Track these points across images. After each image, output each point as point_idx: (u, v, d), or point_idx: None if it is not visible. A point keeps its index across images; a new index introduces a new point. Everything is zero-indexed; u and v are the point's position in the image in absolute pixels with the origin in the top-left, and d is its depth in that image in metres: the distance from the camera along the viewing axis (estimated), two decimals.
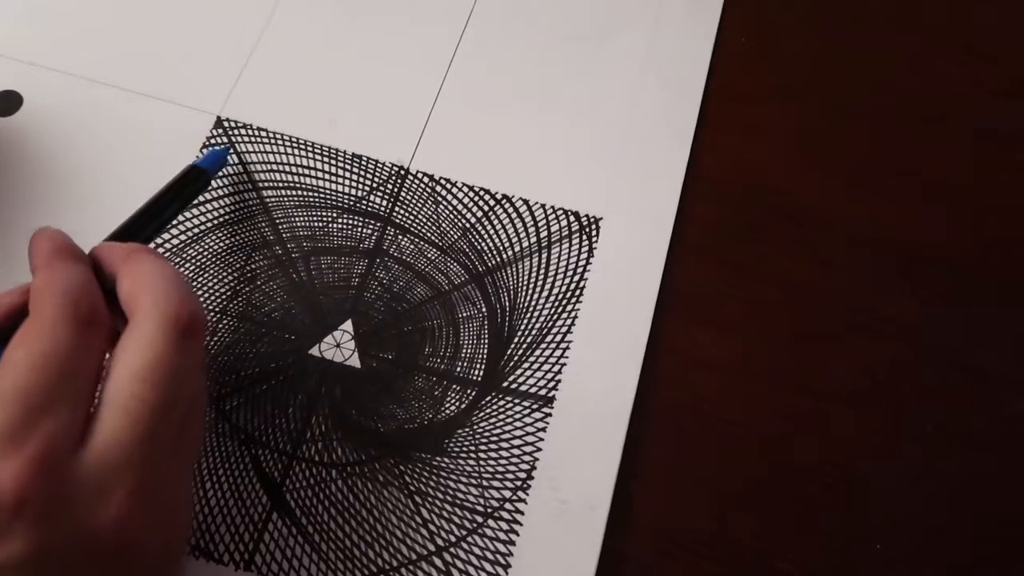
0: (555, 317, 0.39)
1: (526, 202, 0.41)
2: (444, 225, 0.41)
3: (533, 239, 0.41)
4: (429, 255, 0.40)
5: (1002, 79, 0.45)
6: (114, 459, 0.25)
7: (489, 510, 0.35)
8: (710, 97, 0.44)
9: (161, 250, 0.40)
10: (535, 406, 0.37)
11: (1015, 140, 0.44)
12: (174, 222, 0.40)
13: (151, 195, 0.37)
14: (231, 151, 0.42)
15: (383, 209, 0.41)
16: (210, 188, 0.41)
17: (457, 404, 0.37)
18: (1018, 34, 0.47)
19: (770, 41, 0.47)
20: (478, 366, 0.38)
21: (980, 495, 0.37)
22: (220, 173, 0.41)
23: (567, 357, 0.38)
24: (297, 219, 0.41)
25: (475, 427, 0.37)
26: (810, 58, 0.46)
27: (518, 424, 0.37)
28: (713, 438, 0.37)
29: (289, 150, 0.42)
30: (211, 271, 0.40)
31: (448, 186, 0.42)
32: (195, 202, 0.40)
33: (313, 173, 0.42)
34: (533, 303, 0.39)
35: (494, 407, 0.37)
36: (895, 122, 0.44)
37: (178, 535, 0.29)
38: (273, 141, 0.42)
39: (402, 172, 0.42)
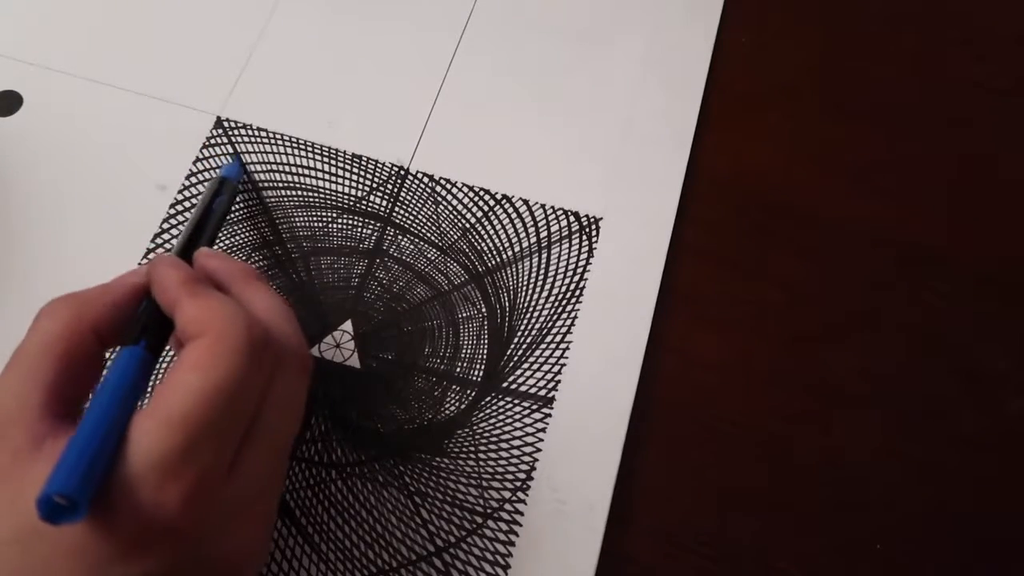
0: (555, 317, 0.39)
1: (526, 202, 0.41)
2: (444, 225, 0.41)
3: (533, 239, 0.40)
4: (429, 255, 0.40)
5: (1002, 79, 0.45)
6: (253, 490, 0.25)
7: (489, 511, 0.35)
8: (710, 97, 0.44)
9: (160, 250, 0.40)
10: (535, 407, 0.37)
11: (1015, 140, 0.44)
12: (172, 220, 0.40)
13: (194, 208, 0.36)
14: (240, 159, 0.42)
15: (383, 209, 0.41)
16: None
17: (457, 404, 0.37)
18: (1018, 34, 0.47)
19: (770, 41, 0.47)
20: (478, 366, 0.38)
21: (980, 495, 0.37)
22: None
23: (567, 357, 0.38)
24: (297, 219, 0.41)
25: (475, 428, 0.37)
26: (810, 58, 0.46)
27: (518, 425, 0.37)
28: (713, 438, 0.37)
29: (289, 150, 0.42)
30: None
31: (448, 186, 0.42)
32: (197, 202, 0.40)
33: (313, 173, 0.42)
34: (533, 303, 0.39)
35: (494, 407, 0.37)
36: (895, 122, 0.44)
37: (266, 559, 0.30)
38: (273, 141, 0.42)
39: (402, 172, 0.42)
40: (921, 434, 0.38)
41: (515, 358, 0.38)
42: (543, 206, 0.41)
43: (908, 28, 0.47)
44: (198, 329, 0.25)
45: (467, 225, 0.41)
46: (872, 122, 0.44)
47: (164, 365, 0.37)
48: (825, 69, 0.46)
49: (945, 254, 0.41)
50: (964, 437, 0.38)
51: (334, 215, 0.41)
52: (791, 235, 0.41)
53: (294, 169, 0.42)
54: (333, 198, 0.41)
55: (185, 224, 0.35)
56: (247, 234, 0.40)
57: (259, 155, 0.42)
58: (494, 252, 0.40)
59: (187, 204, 0.41)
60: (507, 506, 0.35)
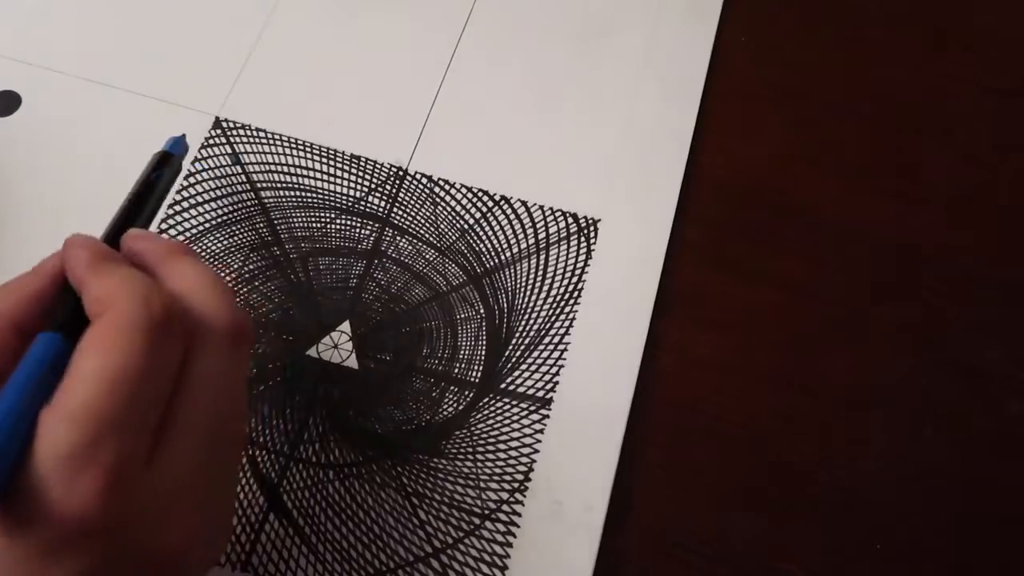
0: (553, 318, 0.39)
1: (524, 203, 0.41)
2: (442, 226, 0.41)
3: (531, 240, 0.40)
4: (427, 256, 0.40)
5: (1002, 79, 0.45)
6: (180, 479, 0.24)
7: (486, 512, 0.35)
8: (710, 97, 0.44)
9: None
10: (533, 408, 0.37)
11: (1015, 140, 0.44)
12: (170, 220, 0.40)
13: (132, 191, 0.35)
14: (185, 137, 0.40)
15: (381, 210, 0.41)
16: (207, 189, 0.41)
17: (455, 405, 0.37)
18: (1018, 34, 0.47)
19: (770, 41, 0.46)
20: (476, 367, 0.38)
21: (980, 495, 0.37)
22: (217, 174, 0.41)
23: (565, 359, 0.38)
24: (295, 220, 0.41)
25: (472, 429, 0.37)
26: (810, 58, 0.46)
27: (515, 426, 0.37)
28: (713, 438, 0.37)
29: (287, 150, 0.42)
30: None
31: (446, 187, 0.42)
32: (195, 203, 0.40)
33: (311, 174, 0.42)
34: (531, 305, 0.39)
35: (492, 409, 0.37)
36: (895, 122, 0.44)
37: (219, 549, 0.28)
38: (271, 141, 0.42)
39: (400, 173, 0.42)
40: (921, 434, 0.37)
41: (513, 359, 0.38)
42: (541, 207, 0.41)
43: (908, 28, 0.47)
44: (99, 309, 0.23)
45: (465, 226, 0.41)
46: (872, 122, 0.44)
47: None
48: (825, 69, 0.46)
49: (945, 254, 0.41)
50: (964, 437, 0.37)
51: (332, 216, 0.41)
52: (791, 235, 0.41)
53: (293, 169, 0.42)
54: (331, 199, 0.41)
55: (120, 202, 0.33)
56: (245, 235, 0.40)
57: (258, 155, 0.42)
58: (492, 253, 0.40)
59: (185, 204, 0.41)
60: (505, 507, 0.35)
